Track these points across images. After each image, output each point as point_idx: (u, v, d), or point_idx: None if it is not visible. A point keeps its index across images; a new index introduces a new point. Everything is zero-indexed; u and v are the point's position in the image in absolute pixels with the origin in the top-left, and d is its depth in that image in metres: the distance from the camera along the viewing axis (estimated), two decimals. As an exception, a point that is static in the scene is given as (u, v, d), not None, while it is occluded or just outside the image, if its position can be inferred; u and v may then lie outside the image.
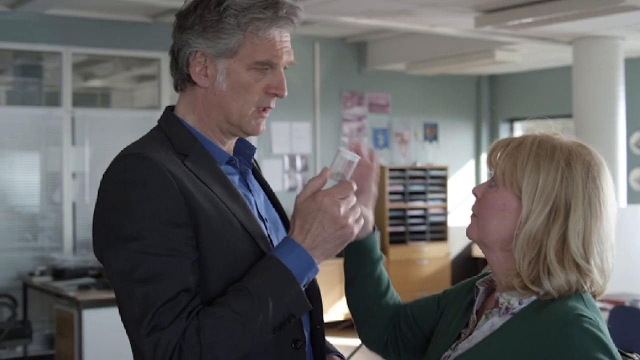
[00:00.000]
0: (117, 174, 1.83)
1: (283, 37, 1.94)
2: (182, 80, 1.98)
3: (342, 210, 1.84)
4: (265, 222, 2.01)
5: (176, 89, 2.02)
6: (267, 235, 1.96)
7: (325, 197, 1.84)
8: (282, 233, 2.06)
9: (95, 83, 10.26)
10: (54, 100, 9.01)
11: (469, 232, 1.82)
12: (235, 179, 2.00)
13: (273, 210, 2.10)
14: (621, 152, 8.81)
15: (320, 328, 2.04)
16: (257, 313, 1.76)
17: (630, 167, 10.06)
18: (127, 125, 9.19)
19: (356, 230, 1.88)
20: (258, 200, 2.04)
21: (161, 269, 1.75)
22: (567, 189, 1.69)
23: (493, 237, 1.76)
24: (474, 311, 1.86)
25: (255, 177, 2.12)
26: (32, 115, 8.77)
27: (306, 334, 1.99)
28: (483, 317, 1.80)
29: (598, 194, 1.70)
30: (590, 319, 1.63)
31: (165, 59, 9.29)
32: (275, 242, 2.00)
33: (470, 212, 1.85)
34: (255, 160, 2.17)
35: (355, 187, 1.89)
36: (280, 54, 1.94)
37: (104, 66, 10.01)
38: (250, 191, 2.03)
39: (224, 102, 1.94)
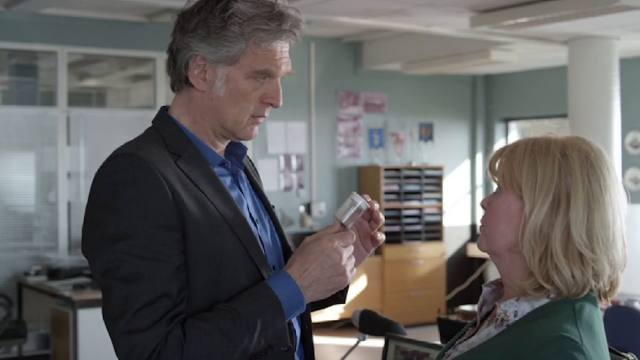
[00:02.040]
0: (109, 173, 1.83)
1: (284, 48, 1.96)
2: (179, 81, 1.98)
3: (343, 258, 1.89)
4: (257, 224, 2.02)
5: (173, 88, 2.02)
6: (258, 238, 1.96)
7: (330, 242, 1.88)
8: (272, 235, 2.07)
9: (91, 83, 10.25)
10: (49, 99, 9.00)
11: (479, 244, 1.81)
12: (227, 181, 2.00)
13: (263, 211, 2.10)
14: (616, 152, 8.82)
15: (309, 329, 2.07)
16: (242, 338, 1.78)
17: (625, 167, 10.07)
18: (123, 124, 9.18)
19: (349, 280, 1.92)
20: (249, 202, 2.04)
21: (143, 272, 1.76)
22: (566, 178, 1.67)
23: (500, 243, 1.74)
24: (478, 311, 1.85)
25: (248, 177, 2.12)
26: (27, 115, 8.76)
27: (297, 335, 2.01)
28: (486, 322, 1.79)
29: (598, 179, 1.67)
30: (573, 340, 1.59)
31: (160, 58, 9.29)
32: (266, 243, 2.01)
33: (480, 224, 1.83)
34: (250, 160, 2.18)
35: (355, 238, 1.93)
36: (280, 64, 1.95)
37: (99, 66, 10.01)
38: (241, 192, 2.04)
39: (220, 108, 1.95)
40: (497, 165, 1.77)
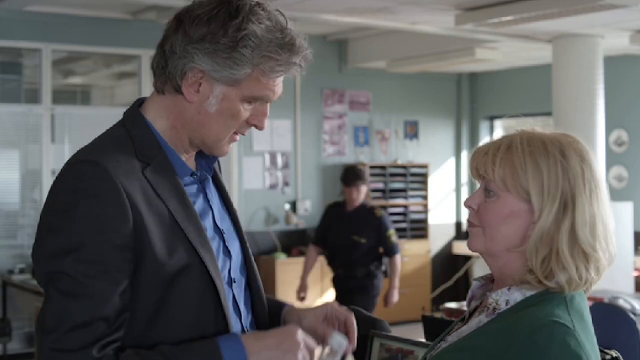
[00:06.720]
0: (71, 179, 1.77)
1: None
2: (167, 85, 1.90)
3: (308, 346, 1.84)
4: (223, 234, 1.96)
5: (157, 89, 1.93)
6: (221, 254, 1.91)
7: (302, 334, 1.84)
8: (237, 243, 2.02)
9: (75, 80, 10.21)
10: (33, 97, 8.96)
11: (474, 244, 1.77)
12: (193, 188, 1.93)
13: (228, 219, 2.04)
14: (600, 150, 8.86)
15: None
16: None
17: (609, 164, 10.11)
18: (107, 122, 8.75)
19: None
20: (215, 211, 1.98)
21: (85, 290, 1.69)
22: (569, 181, 1.69)
23: (502, 245, 1.73)
24: (467, 304, 1.85)
25: (214, 182, 2.05)
26: (12, 113, 8.72)
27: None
28: (476, 313, 1.80)
29: (596, 179, 1.71)
30: (565, 326, 1.61)
31: (145, 56, 9.25)
32: (233, 253, 1.97)
33: (469, 225, 1.80)
34: (217, 160, 2.08)
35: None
36: (277, 90, 1.91)
37: (84, 63, 9.97)
38: (208, 201, 1.97)
39: (206, 123, 1.87)
40: (491, 166, 1.74)
